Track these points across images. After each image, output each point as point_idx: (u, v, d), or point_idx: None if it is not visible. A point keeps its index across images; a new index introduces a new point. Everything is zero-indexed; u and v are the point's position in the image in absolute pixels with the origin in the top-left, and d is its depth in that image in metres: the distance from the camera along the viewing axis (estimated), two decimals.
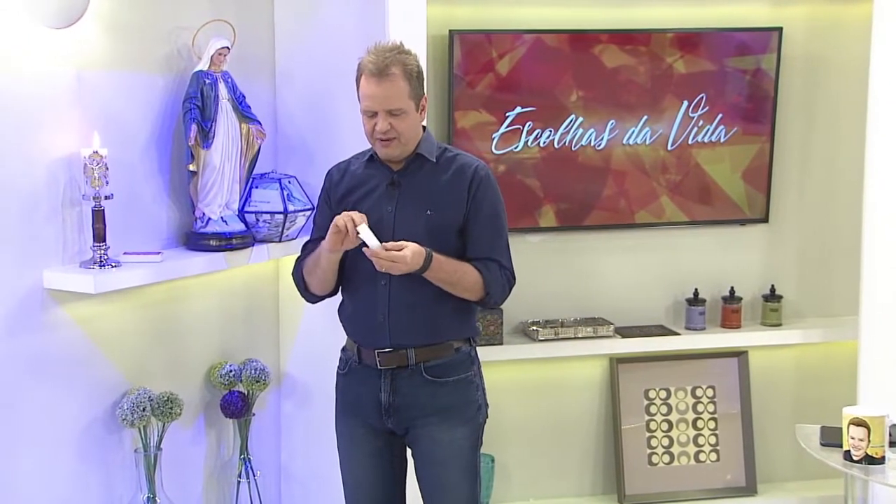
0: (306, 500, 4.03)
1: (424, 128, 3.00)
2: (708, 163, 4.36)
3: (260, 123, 3.58)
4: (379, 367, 2.96)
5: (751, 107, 4.35)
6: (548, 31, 4.15)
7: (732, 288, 4.43)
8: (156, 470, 3.37)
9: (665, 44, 4.24)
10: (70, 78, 3.11)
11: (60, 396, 3.15)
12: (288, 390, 4.01)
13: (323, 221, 3.05)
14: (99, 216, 3.08)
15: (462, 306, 2.98)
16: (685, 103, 4.29)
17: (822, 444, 3.42)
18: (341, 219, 2.82)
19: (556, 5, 4.20)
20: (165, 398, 3.36)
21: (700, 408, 4.46)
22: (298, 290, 3.11)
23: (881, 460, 3.20)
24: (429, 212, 2.92)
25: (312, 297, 3.09)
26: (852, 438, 3.21)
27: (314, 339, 3.87)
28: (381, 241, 2.80)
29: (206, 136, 3.43)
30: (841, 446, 3.27)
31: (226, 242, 3.49)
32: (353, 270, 2.96)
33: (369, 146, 2.99)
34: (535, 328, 4.23)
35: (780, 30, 4.30)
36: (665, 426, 4.43)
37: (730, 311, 4.42)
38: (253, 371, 3.70)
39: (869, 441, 3.18)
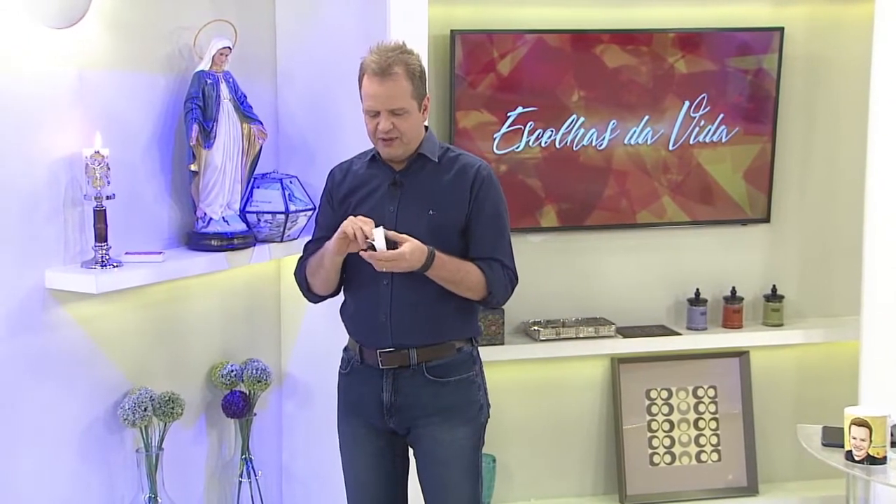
0: (308, 501, 4.03)
1: (427, 128, 3.00)
2: (709, 163, 4.36)
3: (261, 123, 3.58)
4: (381, 366, 2.96)
5: (752, 107, 4.35)
6: (549, 31, 4.15)
7: (734, 288, 4.43)
8: (157, 470, 3.37)
9: (666, 44, 4.24)
10: (72, 78, 3.11)
11: (62, 396, 3.15)
12: (289, 390, 4.01)
13: (325, 221, 3.05)
14: (100, 216, 3.08)
15: (464, 306, 2.98)
16: (686, 103, 4.29)
17: (824, 445, 3.42)
18: (350, 227, 2.81)
19: (558, 5, 4.20)
20: (167, 398, 3.36)
21: (701, 408, 4.46)
22: (301, 290, 3.11)
23: (883, 460, 3.20)
24: (431, 212, 2.92)
25: (315, 298, 3.09)
26: (854, 438, 3.21)
27: (315, 338, 3.87)
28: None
29: (207, 136, 3.43)
30: (842, 446, 3.27)
31: (227, 242, 3.49)
32: (356, 271, 2.96)
33: (371, 146, 2.99)
34: (536, 328, 4.23)
35: (781, 30, 4.30)
36: (666, 426, 4.43)
37: (731, 311, 4.42)
38: (254, 371, 3.70)
39: (870, 441, 3.18)
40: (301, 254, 3.13)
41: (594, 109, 4.23)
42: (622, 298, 4.41)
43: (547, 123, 4.19)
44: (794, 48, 4.36)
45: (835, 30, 4.39)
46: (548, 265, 4.31)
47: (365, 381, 3.00)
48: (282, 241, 3.66)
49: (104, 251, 3.09)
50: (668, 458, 4.42)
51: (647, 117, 4.27)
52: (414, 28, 3.55)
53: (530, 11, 4.18)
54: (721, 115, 4.32)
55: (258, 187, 3.63)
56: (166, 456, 3.40)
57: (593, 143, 4.25)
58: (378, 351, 2.95)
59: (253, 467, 3.78)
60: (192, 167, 3.44)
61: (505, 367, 4.13)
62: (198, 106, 3.39)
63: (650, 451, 4.41)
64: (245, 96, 3.54)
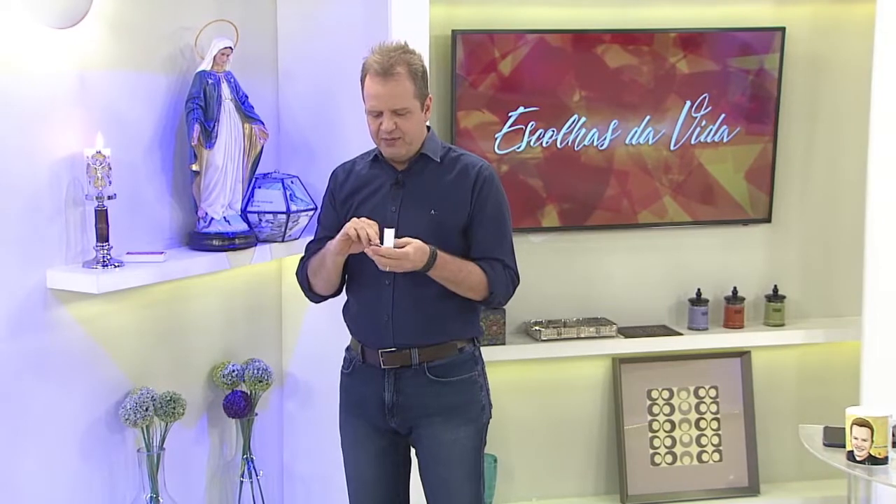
0: (309, 501, 4.02)
1: (429, 128, 3.00)
2: (711, 163, 4.35)
3: (263, 123, 3.58)
4: (383, 366, 2.96)
5: (754, 107, 4.35)
6: (550, 31, 4.14)
7: (735, 288, 4.43)
8: (158, 470, 3.37)
9: (668, 44, 4.24)
10: (73, 78, 3.11)
11: (63, 396, 3.15)
12: (291, 390, 4.01)
13: (327, 221, 3.05)
14: (102, 216, 3.08)
15: (466, 306, 2.98)
16: (688, 103, 4.28)
17: (825, 445, 3.42)
18: (353, 229, 2.81)
19: (559, 5, 4.19)
20: (168, 398, 3.36)
21: (703, 408, 4.46)
22: (302, 290, 3.11)
23: (884, 461, 3.20)
24: (433, 211, 2.92)
25: (316, 297, 3.09)
26: (855, 439, 3.21)
27: (317, 338, 3.87)
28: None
29: (208, 136, 3.43)
30: (844, 447, 3.27)
31: (228, 242, 3.49)
32: (358, 271, 2.96)
33: (373, 146, 2.99)
34: (537, 328, 4.22)
35: (783, 30, 4.30)
36: (668, 426, 4.43)
37: (732, 312, 4.42)
38: (256, 371, 3.70)
39: (872, 441, 3.18)
40: (303, 253, 3.13)
41: (595, 109, 4.22)
42: (623, 298, 4.41)
43: (548, 123, 4.19)
44: (795, 48, 4.35)
45: (836, 30, 4.39)
46: (549, 265, 4.31)
47: (367, 381, 3.01)
48: (283, 241, 3.66)
49: (105, 251, 3.09)
50: (669, 459, 4.42)
51: (648, 117, 4.27)
52: (415, 28, 3.55)
53: (531, 11, 4.18)
54: (722, 115, 4.32)
55: (259, 187, 3.63)
56: (168, 456, 3.40)
57: (594, 143, 4.24)
58: (380, 351, 2.95)
59: (254, 467, 3.78)
60: (194, 167, 3.44)
61: (506, 368, 4.13)
62: (199, 106, 3.39)
63: (651, 451, 4.41)
64: (246, 96, 3.54)
